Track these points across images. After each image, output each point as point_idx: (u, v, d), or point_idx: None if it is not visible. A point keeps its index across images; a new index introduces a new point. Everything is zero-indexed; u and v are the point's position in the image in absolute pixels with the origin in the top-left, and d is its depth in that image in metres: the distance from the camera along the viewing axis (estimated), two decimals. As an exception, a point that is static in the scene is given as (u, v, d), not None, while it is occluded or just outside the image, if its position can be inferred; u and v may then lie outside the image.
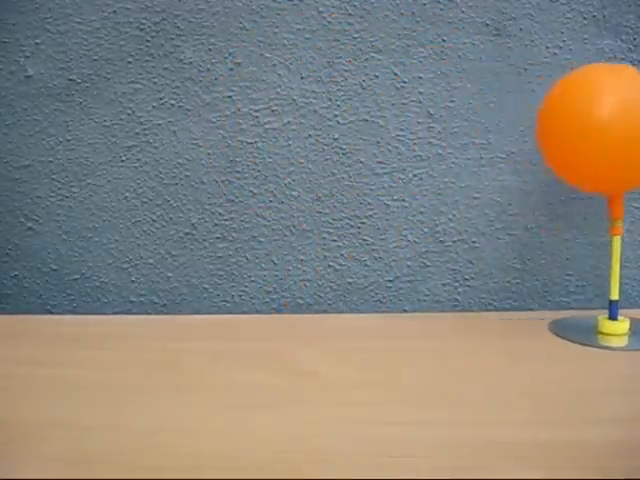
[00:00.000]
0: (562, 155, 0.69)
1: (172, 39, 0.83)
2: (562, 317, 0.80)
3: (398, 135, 0.83)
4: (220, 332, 0.75)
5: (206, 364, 0.65)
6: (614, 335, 0.72)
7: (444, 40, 0.82)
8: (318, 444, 0.49)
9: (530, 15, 0.82)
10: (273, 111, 0.83)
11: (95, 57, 0.83)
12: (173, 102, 0.83)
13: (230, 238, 0.85)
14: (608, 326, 0.73)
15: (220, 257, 0.85)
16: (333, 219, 0.85)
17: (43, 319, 0.83)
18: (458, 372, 0.62)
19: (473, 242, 0.85)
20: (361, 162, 0.84)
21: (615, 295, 0.73)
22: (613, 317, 0.73)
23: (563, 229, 0.84)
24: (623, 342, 0.71)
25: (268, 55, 0.83)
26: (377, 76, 0.83)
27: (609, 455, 0.46)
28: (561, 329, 0.74)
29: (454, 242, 0.85)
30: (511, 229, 0.84)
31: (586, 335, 0.72)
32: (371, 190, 0.84)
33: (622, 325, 0.73)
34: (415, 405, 0.55)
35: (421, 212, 0.84)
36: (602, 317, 0.74)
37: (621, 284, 0.84)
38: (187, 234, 0.85)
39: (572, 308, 0.85)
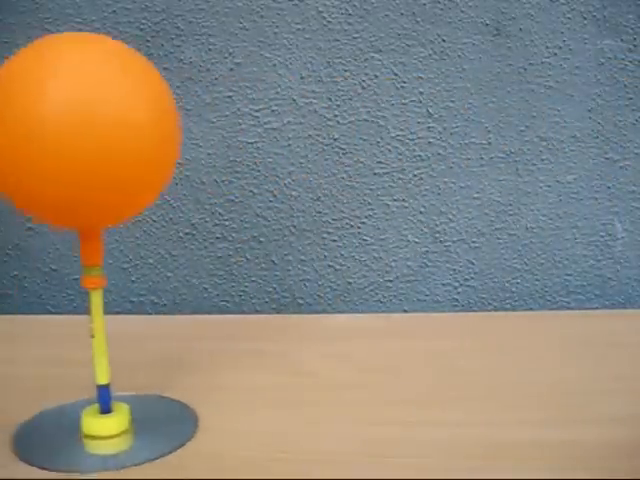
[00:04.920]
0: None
1: (172, 39, 0.83)
2: (32, 419, 0.52)
3: (398, 135, 0.83)
4: (220, 332, 0.75)
5: (206, 364, 0.65)
6: (107, 438, 0.48)
7: (444, 40, 0.82)
8: (318, 444, 0.49)
9: (530, 15, 0.82)
10: (273, 111, 0.83)
11: (95, 57, 0.83)
12: (173, 102, 0.83)
13: (230, 238, 0.85)
14: (95, 426, 0.48)
15: (220, 257, 0.85)
16: (333, 219, 0.85)
17: (43, 319, 0.83)
18: (458, 372, 0.62)
19: (473, 242, 0.85)
20: (361, 162, 0.84)
21: (104, 378, 0.49)
22: (105, 410, 0.49)
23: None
24: (124, 446, 0.48)
25: (268, 55, 0.83)
26: (377, 76, 0.83)
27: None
28: (27, 445, 0.48)
29: (454, 242, 0.85)
30: (511, 229, 0.84)
31: (67, 446, 0.47)
32: (371, 190, 0.84)
33: (116, 421, 0.49)
34: (415, 405, 0.55)
35: (421, 212, 0.84)
36: (88, 411, 0.50)
37: (621, 284, 0.84)
38: (187, 234, 0.85)
39: (572, 308, 0.85)
